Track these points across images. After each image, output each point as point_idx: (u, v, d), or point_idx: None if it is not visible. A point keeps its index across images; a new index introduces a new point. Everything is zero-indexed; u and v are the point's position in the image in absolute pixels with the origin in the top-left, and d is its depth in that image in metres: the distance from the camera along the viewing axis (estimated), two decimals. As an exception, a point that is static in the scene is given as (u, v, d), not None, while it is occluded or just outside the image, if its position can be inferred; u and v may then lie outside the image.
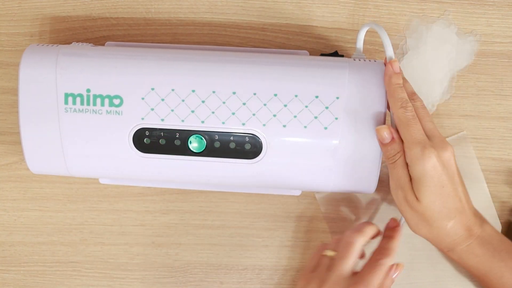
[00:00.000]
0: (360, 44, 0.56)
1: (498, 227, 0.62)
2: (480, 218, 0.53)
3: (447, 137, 0.62)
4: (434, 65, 0.61)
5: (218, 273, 0.63)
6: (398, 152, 0.49)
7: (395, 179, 0.50)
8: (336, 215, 0.62)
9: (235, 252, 0.63)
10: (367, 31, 0.61)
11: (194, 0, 0.62)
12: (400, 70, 0.50)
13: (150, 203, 0.63)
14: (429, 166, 0.47)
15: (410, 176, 0.49)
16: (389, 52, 0.51)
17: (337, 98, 0.51)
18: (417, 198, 0.49)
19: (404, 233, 0.62)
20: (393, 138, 0.49)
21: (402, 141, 0.49)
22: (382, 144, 0.50)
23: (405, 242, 0.62)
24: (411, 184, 0.49)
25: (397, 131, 0.50)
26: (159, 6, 0.62)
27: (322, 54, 0.59)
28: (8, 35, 0.62)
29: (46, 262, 0.64)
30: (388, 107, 0.51)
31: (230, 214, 0.63)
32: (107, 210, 0.63)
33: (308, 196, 0.62)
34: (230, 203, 0.63)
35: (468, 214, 0.51)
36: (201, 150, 0.52)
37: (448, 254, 0.54)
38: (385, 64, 0.51)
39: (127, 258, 0.63)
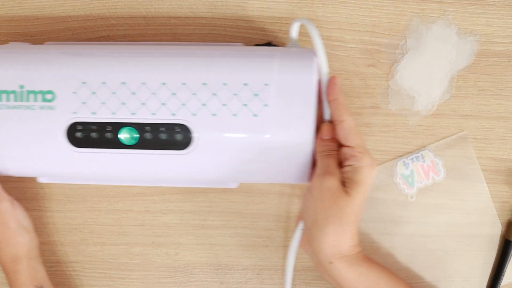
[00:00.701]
0: (293, 34, 0.55)
1: (498, 227, 0.62)
2: None
3: (447, 137, 0.62)
4: (434, 65, 0.61)
5: (218, 273, 0.63)
6: (333, 150, 0.51)
7: (325, 167, 0.50)
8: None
9: (235, 252, 0.63)
10: (367, 31, 0.61)
11: (194, 0, 0.62)
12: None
13: (150, 203, 0.63)
14: (373, 175, 0.50)
15: (348, 175, 0.50)
16: (323, 61, 0.51)
17: (266, 85, 0.51)
18: (348, 194, 0.49)
19: (404, 233, 0.62)
20: (333, 137, 0.51)
21: (338, 143, 0.51)
22: (321, 139, 0.51)
23: (405, 242, 0.62)
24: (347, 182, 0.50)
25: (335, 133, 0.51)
26: (159, 6, 0.62)
27: (256, 45, 0.59)
28: (8, 35, 0.62)
29: (46, 262, 0.64)
30: (319, 99, 0.52)
31: (230, 214, 0.63)
32: (107, 210, 0.63)
33: (308, 196, 0.62)
34: (230, 203, 0.63)
35: None
36: (133, 143, 0.52)
37: (338, 262, 0.50)
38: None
39: (127, 258, 0.63)
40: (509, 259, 0.61)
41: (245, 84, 0.51)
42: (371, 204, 0.62)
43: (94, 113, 0.51)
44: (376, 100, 0.62)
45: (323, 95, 0.52)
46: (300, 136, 0.51)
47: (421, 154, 0.62)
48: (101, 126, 0.51)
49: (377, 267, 0.52)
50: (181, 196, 0.63)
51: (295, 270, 0.63)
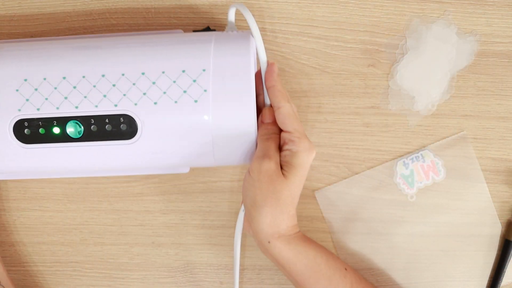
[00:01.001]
0: (230, 18, 0.56)
1: (498, 227, 0.62)
2: None
3: (447, 137, 0.62)
4: (434, 65, 0.61)
5: (218, 273, 0.63)
6: (274, 133, 0.51)
7: (264, 150, 0.51)
8: (336, 214, 0.62)
9: (235, 252, 0.63)
10: (367, 31, 0.61)
11: (194, 0, 0.62)
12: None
13: (150, 203, 0.63)
14: (310, 159, 0.51)
15: (286, 159, 0.51)
16: (261, 48, 0.51)
17: (204, 70, 0.51)
18: (285, 176, 0.50)
19: (404, 233, 0.62)
20: (274, 121, 0.52)
21: (278, 128, 0.52)
22: (262, 123, 0.52)
23: (405, 242, 0.62)
24: (285, 165, 0.51)
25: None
26: (160, 6, 0.62)
27: (195, 31, 0.59)
28: (8, 35, 0.62)
29: (46, 262, 0.64)
30: (257, 83, 0.53)
31: (230, 214, 0.63)
32: (107, 210, 0.63)
33: (308, 196, 0.62)
34: (230, 203, 0.63)
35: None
36: (79, 135, 0.52)
37: (276, 242, 0.52)
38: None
39: (127, 258, 0.63)
40: (509, 259, 0.61)
41: (183, 71, 0.51)
42: (371, 204, 0.62)
43: (38, 109, 0.51)
44: (376, 100, 0.62)
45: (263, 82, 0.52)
46: (242, 119, 0.51)
47: (421, 154, 0.62)
48: (46, 122, 0.52)
49: (314, 246, 0.53)
50: (181, 196, 0.63)
51: (295, 270, 0.63)
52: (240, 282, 0.63)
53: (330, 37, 0.61)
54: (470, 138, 0.62)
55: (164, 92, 0.51)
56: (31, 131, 0.52)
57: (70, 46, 0.54)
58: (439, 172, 0.62)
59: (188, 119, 0.51)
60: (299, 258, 0.52)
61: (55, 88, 0.51)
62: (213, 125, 0.51)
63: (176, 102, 0.51)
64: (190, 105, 0.51)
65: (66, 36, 0.60)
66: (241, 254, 0.63)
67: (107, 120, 0.51)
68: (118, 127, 0.51)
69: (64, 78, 0.51)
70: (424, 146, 0.62)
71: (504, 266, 0.61)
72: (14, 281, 0.64)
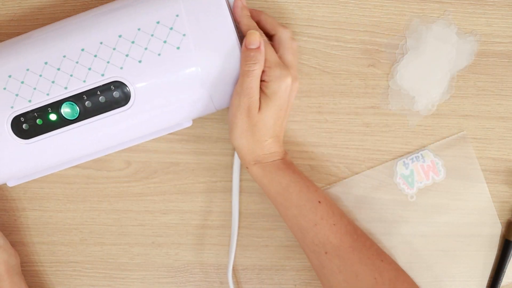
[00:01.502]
0: None
1: (498, 227, 0.62)
2: (285, 150, 0.57)
3: (447, 137, 0.62)
4: (434, 65, 0.61)
5: (218, 273, 0.63)
6: (258, 63, 0.51)
7: (245, 87, 0.51)
8: (336, 215, 0.62)
9: (235, 252, 0.63)
10: (367, 31, 0.61)
11: None
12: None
13: (150, 203, 0.63)
14: (283, 87, 0.52)
15: (260, 90, 0.52)
16: None
17: (177, 16, 0.51)
18: (259, 110, 0.52)
19: (404, 233, 0.62)
20: (259, 47, 0.51)
21: (264, 54, 0.51)
22: (246, 49, 0.51)
23: (405, 242, 0.62)
24: (260, 96, 0.52)
25: (263, 43, 0.52)
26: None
27: None
28: (8, 35, 0.62)
29: (46, 262, 0.64)
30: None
31: (230, 214, 0.63)
32: (107, 210, 0.63)
33: (308, 196, 0.62)
34: (230, 203, 0.63)
35: (281, 143, 0.56)
36: (77, 115, 0.52)
37: (253, 168, 0.55)
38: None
39: (127, 258, 0.63)
40: (509, 259, 0.61)
41: (158, 22, 0.51)
42: (371, 204, 0.62)
43: (30, 101, 0.51)
44: (376, 100, 0.62)
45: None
46: (227, 53, 0.51)
47: (421, 154, 0.62)
48: (41, 111, 0.52)
49: (290, 175, 0.55)
50: (181, 196, 0.63)
51: (295, 270, 0.63)
52: (240, 282, 0.63)
53: (330, 37, 0.61)
54: (470, 138, 0.62)
55: (146, 48, 0.51)
56: (29, 124, 0.52)
57: (43, 32, 0.54)
58: (439, 172, 0.62)
59: (175, 67, 0.51)
60: (272, 185, 0.55)
61: (40, 75, 0.51)
62: (200, 67, 0.51)
63: (159, 54, 0.51)
64: (173, 53, 0.51)
65: (37, 28, 0.60)
66: (241, 254, 0.63)
67: (98, 92, 0.51)
68: (111, 96, 0.51)
69: (46, 63, 0.51)
70: (424, 146, 0.62)
71: (504, 266, 0.61)
72: (14, 281, 0.64)
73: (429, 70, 0.61)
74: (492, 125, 0.62)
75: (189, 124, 0.57)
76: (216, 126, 0.62)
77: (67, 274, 0.64)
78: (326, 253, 0.53)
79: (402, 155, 0.62)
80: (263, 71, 0.52)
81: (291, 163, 0.57)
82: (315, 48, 0.61)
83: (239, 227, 0.63)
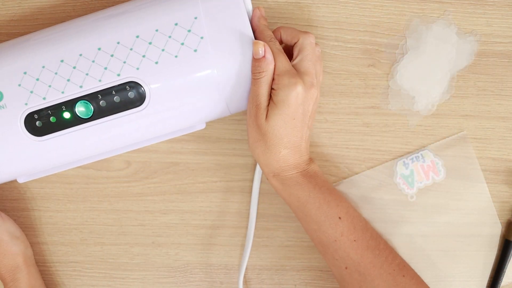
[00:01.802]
0: None
1: (498, 227, 0.62)
2: (309, 160, 0.55)
3: (447, 137, 0.62)
4: (434, 65, 0.61)
5: (218, 273, 0.63)
6: (265, 71, 0.51)
7: (254, 95, 0.52)
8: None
9: (235, 252, 0.63)
10: (367, 31, 0.61)
11: None
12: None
13: (150, 203, 0.63)
14: (292, 95, 0.50)
15: (269, 97, 0.52)
16: None
17: (196, 18, 0.51)
18: (266, 118, 0.51)
19: (404, 233, 0.62)
20: (264, 55, 0.51)
21: (272, 61, 0.51)
22: (254, 59, 0.51)
23: (405, 242, 0.62)
24: (268, 104, 0.51)
25: (269, 50, 0.51)
26: (159, 6, 0.62)
27: None
28: (8, 35, 0.62)
29: (46, 262, 0.64)
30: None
31: (230, 214, 0.63)
32: (107, 210, 0.63)
33: (308, 196, 0.62)
34: (230, 203, 0.63)
35: (303, 153, 0.54)
36: (91, 114, 0.52)
37: (272, 180, 0.54)
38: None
39: (127, 258, 0.63)
40: (509, 259, 0.61)
41: (176, 24, 0.51)
42: (371, 204, 0.62)
43: (44, 98, 0.51)
44: (376, 100, 0.62)
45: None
46: (243, 58, 0.51)
47: (421, 154, 0.62)
48: (55, 109, 0.51)
49: (309, 189, 0.53)
50: (181, 196, 0.63)
51: (295, 270, 0.63)
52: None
53: (330, 37, 0.61)
54: (470, 138, 0.62)
55: (163, 50, 0.51)
56: (43, 122, 0.52)
57: (60, 29, 0.54)
58: (439, 172, 0.62)
59: (191, 70, 0.51)
60: (291, 199, 0.54)
61: (56, 73, 0.51)
62: (217, 70, 0.51)
63: (176, 56, 0.51)
64: (191, 55, 0.51)
65: (54, 25, 0.60)
66: (241, 254, 0.63)
67: (114, 92, 0.51)
68: (126, 96, 0.51)
69: (62, 61, 0.51)
70: (424, 146, 0.62)
71: (504, 266, 0.61)
72: (14, 281, 0.64)
73: (429, 70, 0.61)
74: (492, 125, 0.62)
75: (203, 126, 0.57)
76: (217, 127, 0.62)
77: (67, 274, 0.64)
78: (346, 268, 0.53)
79: (402, 155, 0.62)
80: (273, 79, 0.51)
81: (314, 174, 0.54)
82: (315, 48, 0.61)
83: (239, 227, 0.63)
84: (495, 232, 0.62)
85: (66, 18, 0.62)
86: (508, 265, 0.61)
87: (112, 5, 0.61)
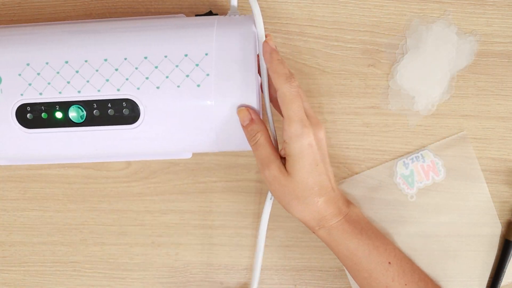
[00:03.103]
0: (233, 2, 0.55)
1: (498, 227, 0.62)
2: (346, 200, 0.54)
3: (447, 137, 0.62)
4: (434, 65, 0.61)
5: (218, 273, 0.63)
6: (258, 132, 0.50)
7: (260, 159, 0.51)
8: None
9: (235, 252, 0.63)
10: (367, 31, 0.61)
11: (194, 0, 0.62)
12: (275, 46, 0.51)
13: (150, 203, 0.63)
14: (306, 143, 0.48)
15: (277, 153, 0.50)
16: (260, 28, 0.51)
17: (206, 54, 0.51)
18: (288, 174, 0.49)
19: (404, 233, 0.62)
20: (252, 119, 0.50)
21: (261, 121, 0.50)
22: (243, 126, 0.51)
23: (405, 242, 0.62)
24: (281, 160, 0.50)
25: (255, 112, 0.50)
26: (159, 6, 0.62)
27: (197, 15, 0.59)
28: (8, 35, 0.62)
29: (46, 262, 0.64)
30: (259, 70, 0.52)
31: (230, 214, 0.63)
32: (107, 210, 0.63)
33: (308, 196, 0.62)
34: (230, 203, 0.63)
35: (337, 194, 0.52)
36: (82, 120, 0.52)
37: (319, 232, 0.53)
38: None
39: (127, 258, 0.63)
40: (509, 259, 0.61)
41: (186, 55, 0.51)
42: (371, 204, 0.62)
43: (41, 94, 0.51)
44: (376, 100, 0.62)
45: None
46: (245, 103, 0.51)
47: (421, 154, 0.62)
48: (49, 106, 0.52)
49: (358, 237, 0.52)
50: (181, 196, 0.63)
51: (295, 270, 0.63)
52: (240, 283, 0.63)
53: (330, 37, 0.61)
54: (470, 138, 0.62)
55: (167, 77, 0.51)
56: (34, 115, 0.52)
57: (72, 30, 0.54)
58: (439, 172, 0.62)
59: (190, 104, 0.51)
60: (340, 249, 0.52)
61: (58, 72, 0.51)
62: (215, 110, 0.51)
63: (178, 86, 0.51)
64: (193, 89, 0.51)
65: (68, 21, 0.60)
66: (240, 255, 0.63)
67: (109, 105, 0.51)
68: (120, 112, 0.51)
69: (66, 62, 0.51)
70: (424, 146, 0.62)
71: (504, 266, 0.61)
72: (14, 281, 0.64)
73: (429, 70, 0.61)
74: (492, 125, 0.62)
75: (189, 156, 0.58)
76: (216, 126, 0.62)
77: (67, 274, 0.64)
78: None
79: (402, 155, 0.62)
80: (284, 129, 0.49)
81: (358, 219, 0.53)
82: (315, 48, 0.61)
83: (239, 227, 0.63)
84: (495, 232, 0.62)
85: (66, 18, 0.62)
86: (508, 265, 0.61)
87: (112, 6, 0.62)
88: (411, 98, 0.61)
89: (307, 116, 0.49)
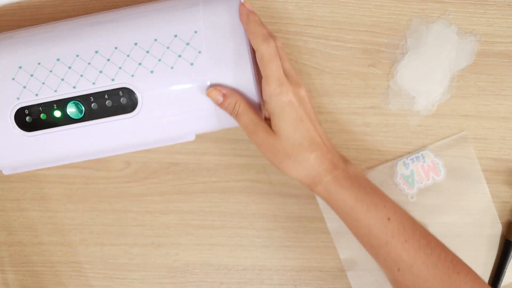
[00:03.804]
0: None
1: (499, 227, 0.62)
2: (343, 157, 0.53)
3: (447, 137, 0.62)
4: (435, 65, 0.61)
5: (218, 273, 0.63)
6: (236, 103, 0.50)
7: (245, 127, 0.51)
8: (336, 214, 0.62)
9: (235, 252, 0.63)
10: (367, 31, 0.61)
11: (194, 0, 0.62)
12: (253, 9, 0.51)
13: (150, 203, 0.63)
14: (286, 100, 0.49)
15: (260, 116, 0.51)
16: None
17: (196, 32, 0.51)
18: (274, 133, 0.50)
19: (404, 233, 0.62)
20: (224, 94, 0.50)
21: (234, 92, 0.51)
22: (219, 105, 0.51)
23: (405, 242, 0.62)
24: (267, 122, 0.51)
25: (224, 87, 0.51)
26: (159, 6, 0.62)
27: None
28: (8, 35, 0.62)
29: (46, 262, 0.64)
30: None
31: (230, 214, 0.63)
32: (106, 210, 0.63)
33: (308, 196, 0.62)
34: (230, 203, 0.63)
35: (330, 149, 0.52)
36: (81, 116, 0.52)
37: (316, 189, 0.52)
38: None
39: (127, 259, 0.63)
40: (509, 259, 0.61)
41: (175, 36, 0.51)
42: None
43: (37, 95, 0.52)
44: (376, 100, 0.62)
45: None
46: (240, 75, 0.51)
47: (421, 154, 0.62)
48: (46, 106, 0.52)
49: (355, 192, 0.51)
50: (181, 196, 0.63)
51: (295, 270, 0.63)
52: (240, 283, 0.63)
53: (330, 37, 0.61)
54: (471, 138, 0.62)
55: (159, 60, 0.51)
56: (33, 118, 0.52)
57: (60, 28, 0.54)
58: (440, 172, 0.62)
59: (186, 83, 0.51)
60: (338, 205, 0.52)
61: (51, 71, 0.51)
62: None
63: (172, 67, 0.51)
64: (187, 68, 0.51)
65: (55, 21, 0.60)
66: (240, 255, 0.63)
67: (106, 96, 0.51)
68: (118, 102, 0.51)
69: (58, 60, 0.51)
70: (424, 146, 0.62)
71: (504, 266, 0.61)
72: (14, 281, 0.64)
73: (429, 70, 0.61)
74: (492, 125, 0.62)
75: (192, 138, 0.57)
76: (216, 126, 0.62)
77: (67, 274, 0.64)
78: (398, 270, 0.51)
79: (402, 155, 0.62)
80: (263, 89, 0.50)
81: (356, 176, 0.52)
82: (315, 48, 0.61)
83: (239, 227, 0.63)
84: (496, 232, 0.62)
85: (66, 18, 0.62)
86: (508, 266, 0.61)
87: (111, 5, 0.62)
88: (412, 98, 0.61)
89: (287, 76, 0.50)
